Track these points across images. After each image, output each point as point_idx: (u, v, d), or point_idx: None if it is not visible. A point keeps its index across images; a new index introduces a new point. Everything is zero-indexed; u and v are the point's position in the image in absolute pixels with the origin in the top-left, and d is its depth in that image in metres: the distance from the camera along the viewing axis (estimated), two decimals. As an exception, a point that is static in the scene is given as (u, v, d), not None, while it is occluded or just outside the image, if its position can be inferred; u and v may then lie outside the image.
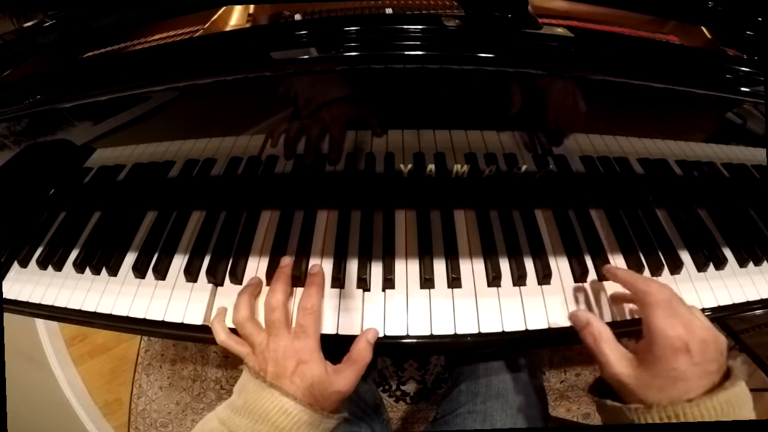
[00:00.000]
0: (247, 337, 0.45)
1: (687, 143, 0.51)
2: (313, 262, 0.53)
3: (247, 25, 0.47)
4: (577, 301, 0.50)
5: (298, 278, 0.51)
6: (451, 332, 0.47)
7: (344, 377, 0.42)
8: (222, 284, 0.53)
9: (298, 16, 0.47)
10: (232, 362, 1.21)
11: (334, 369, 0.43)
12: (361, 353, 0.43)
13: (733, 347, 1.07)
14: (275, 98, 0.44)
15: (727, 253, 0.56)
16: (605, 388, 0.41)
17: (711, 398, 0.35)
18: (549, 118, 0.46)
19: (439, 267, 0.52)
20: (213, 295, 0.52)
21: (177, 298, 0.52)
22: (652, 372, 0.37)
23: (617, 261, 0.54)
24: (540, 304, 0.49)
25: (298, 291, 0.50)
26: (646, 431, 0.36)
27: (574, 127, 0.47)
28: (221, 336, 0.46)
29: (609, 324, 0.47)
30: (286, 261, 0.50)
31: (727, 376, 0.37)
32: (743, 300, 0.53)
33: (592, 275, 0.52)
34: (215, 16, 0.48)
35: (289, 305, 0.47)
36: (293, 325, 0.45)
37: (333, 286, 0.51)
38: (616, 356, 0.40)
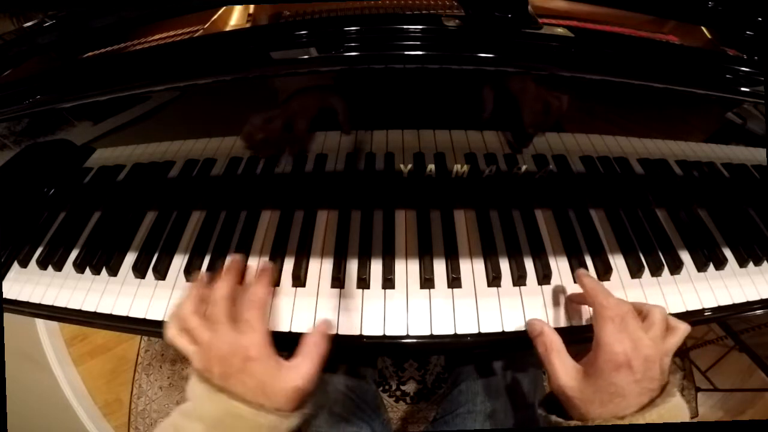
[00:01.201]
0: (191, 332, 0.40)
1: (687, 143, 0.51)
2: (313, 262, 0.53)
3: (247, 25, 0.47)
4: (576, 301, 0.50)
5: (298, 278, 0.51)
6: (451, 332, 0.47)
7: (299, 372, 0.39)
8: (222, 284, 0.53)
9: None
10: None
11: (289, 365, 0.40)
12: (310, 345, 0.41)
13: (732, 347, 1.08)
14: (275, 98, 0.44)
15: (727, 253, 0.56)
16: (555, 403, 0.41)
17: (643, 415, 0.35)
18: (548, 118, 0.46)
19: (439, 267, 0.52)
20: (213, 295, 0.52)
21: (177, 298, 0.51)
22: (594, 386, 0.37)
23: (617, 261, 0.54)
24: (540, 304, 0.49)
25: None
26: (643, 431, 0.36)
27: (574, 126, 0.47)
28: (170, 332, 0.41)
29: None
30: (237, 256, 0.47)
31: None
32: (743, 300, 0.53)
33: (592, 275, 0.51)
34: (215, 16, 0.48)
35: (243, 299, 0.43)
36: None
37: (333, 286, 0.51)
38: (563, 368, 0.40)
